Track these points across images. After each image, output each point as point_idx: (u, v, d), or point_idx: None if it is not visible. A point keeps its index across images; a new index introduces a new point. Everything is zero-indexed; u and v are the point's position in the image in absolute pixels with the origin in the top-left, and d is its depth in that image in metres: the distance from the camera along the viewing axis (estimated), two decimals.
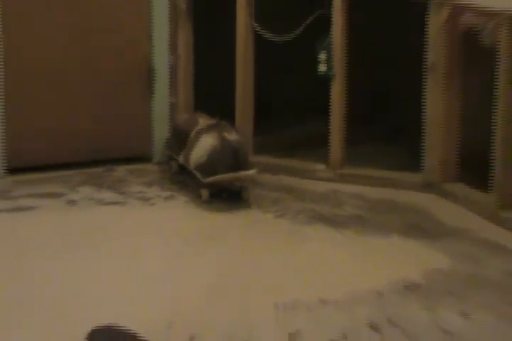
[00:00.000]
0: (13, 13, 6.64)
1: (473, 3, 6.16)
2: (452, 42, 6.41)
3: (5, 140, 6.72)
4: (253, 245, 5.83)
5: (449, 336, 4.68)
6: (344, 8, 6.59)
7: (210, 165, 6.32)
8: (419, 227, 6.05)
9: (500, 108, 5.98)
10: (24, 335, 4.64)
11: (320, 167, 6.84)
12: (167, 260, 5.60)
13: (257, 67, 6.95)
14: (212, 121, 6.61)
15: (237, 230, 6.05)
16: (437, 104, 6.48)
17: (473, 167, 6.38)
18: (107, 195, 6.51)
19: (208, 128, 6.50)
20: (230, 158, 6.36)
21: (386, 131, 7.19)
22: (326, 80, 6.71)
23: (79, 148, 6.93)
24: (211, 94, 6.96)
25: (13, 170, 6.77)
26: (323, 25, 6.68)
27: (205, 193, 6.37)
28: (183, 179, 6.66)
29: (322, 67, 6.71)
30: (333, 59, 6.66)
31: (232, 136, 6.46)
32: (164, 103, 7.09)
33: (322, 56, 6.69)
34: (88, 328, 4.28)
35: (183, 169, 6.70)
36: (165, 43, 7.02)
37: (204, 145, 6.40)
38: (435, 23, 6.41)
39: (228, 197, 6.45)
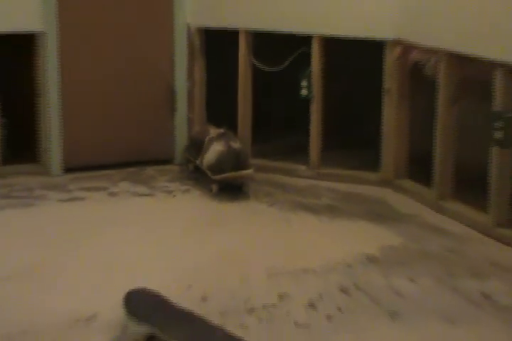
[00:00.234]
0: (70, 48, 6.69)
1: (419, 43, 6.22)
2: (403, 73, 6.47)
3: (62, 146, 6.74)
4: (251, 227, 5.90)
5: (400, 297, 4.80)
6: (320, 47, 6.64)
7: (218, 166, 6.39)
8: (378, 214, 6.13)
9: (439, 122, 6.08)
10: (82, 295, 4.76)
11: (302, 167, 6.88)
12: (185, 238, 5.69)
13: (254, 90, 6.98)
14: (221, 131, 6.64)
15: (238, 215, 6.12)
16: (391, 119, 6.54)
17: (419, 167, 6.44)
18: (140, 189, 6.56)
19: (218, 137, 6.54)
20: (233, 160, 6.42)
21: (353, 140, 7.19)
22: (307, 102, 6.75)
23: (119, 152, 6.95)
24: (219, 111, 6.96)
25: (68, 170, 6.79)
26: (305, 59, 6.72)
27: (214, 187, 6.43)
28: (197, 177, 6.68)
29: (304, 92, 6.74)
30: (312, 85, 6.70)
31: (235, 144, 6.53)
32: (183, 117, 7.11)
33: (304, 83, 6.72)
34: (124, 290, 4.41)
35: (197, 169, 6.70)
36: (184, 72, 7.03)
37: (214, 151, 6.46)
38: (390, 58, 6.47)
39: (228, 191, 6.45)
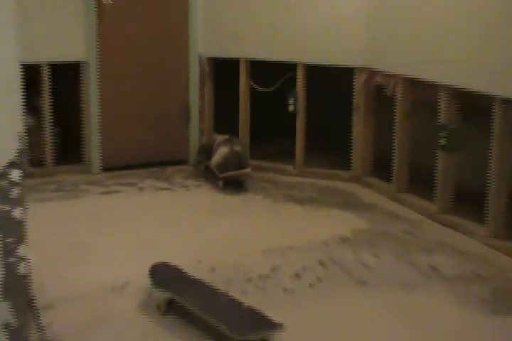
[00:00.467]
0: (107, 73, 6.68)
1: (381, 69, 6.23)
2: (368, 93, 6.47)
3: (101, 150, 6.75)
4: (249, 214, 5.89)
5: (367, 268, 4.82)
6: (303, 72, 6.64)
7: (224, 165, 6.38)
8: (349, 204, 6.12)
9: (396, 132, 6.09)
10: (117, 267, 4.78)
11: (289, 167, 6.87)
12: (197, 222, 5.68)
13: (252, 106, 6.99)
14: (226, 137, 6.60)
15: (240, 205, 6.11)
16: (360, 129, 6.54)
17: (381, 167, 6.45)
18: (162, 184, 6.54)
19: (224, 142, 6.53)
20: (236, 161, 6.41)
21: (329, 145, 7.20)
22: (294, 116, 6.76)
23: (145, 155, 6.94)
24: (224, 123, 6.97)
25: (106, 169, 6.79)
26: (292, 82, 6.72)
27: (220, 183, 6.42)
28: (206, 175, 6.65)
29: (291, 107, 6.73)
30: (297, 102, 6.71)
31: (238, 147, 6.52)
32: (196, 128, 7.09)
33: (291, 101, 6.73)
34: (150, 264, 4.43)
35: (206, 169, 6.67)
36: (196, 93, 7.02)
37: (221, 153, 6.45)
38: (359, 81, 6.47)
39: (231, 186, 6.44)
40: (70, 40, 6.50)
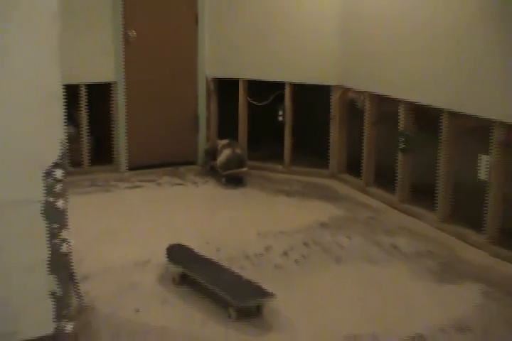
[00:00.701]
0: (132, 91, 6.69)
1: (352, 87, 6.24)
2: (343, 106, 6.46)
3: (127, 153, 6.75)
4: (248, 205, 5.88)
5: (341, 247, 4.82)
6: (290, 90, 6.64)
7: (227, 164, 6.37)
8: (327, 195, 6.12)
9: (365, 137, 6.10)
10: (140, 247, 4.79)
11: (279, 166, 6.85)
12: (205, 211, 5.69)
13: (249, 117, 6.98)
14: (227, 141, 6.59)
15: (239, 197, 6.09)
16: (336, 136, 6.54)
17: (353, 166, 6.44)
18: (176, 180, 6.52)
19: (227, 145, 6.50)
20: (236, 161, 6.40)
21: (312, 149, 7.19)
22: (282, 125, 6.77)
23: (162, 157, 6.92)
24: (226, 130, 6.96)
25: (131, 168, 6.77)
26: (281, 98, 6.74)
27: (223, 180, 6.39)
28: (212, 173, 6.63)
29: (280, 118, 6.74)
30: (286, 114, 6.71)
31: (238, 150, 6.50)
32: (203, 135, 7.06)
33: (280, 113, 6.73)
34: (167, 244, 4.45)
35: (212, 168, 6.65)
36: (204, 106, 6.99)
37: (224, 154, 6.42)
38: (335, 96, 6.47)
39: (232, 182, 6.43)
40: (103, 65, 6.50)
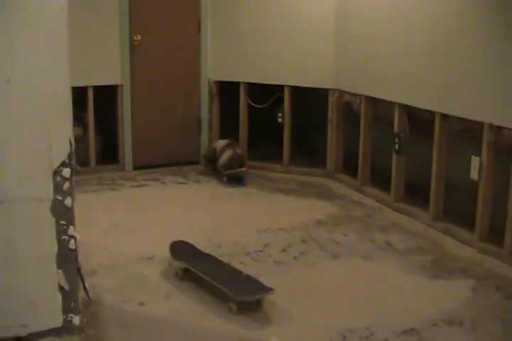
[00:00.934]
0: (137, 93, 6.68)
1: (348, 90, 6.24)
2: (339, 108, 6.46)
3: (132, 153, 6.75)
4: (247, 202, 5.89)
5: (338, 244, 4.83)
6: (289, 93, 6.64)
7: (228, 164, 6.35)
8: (323, 194, 6.11)
9: (361, 138, 6.09)
10: (145, 243, 4.79)
11: (278, 166, 6.84)
12: (206, 209, 5.67)
13: (249, 119, 6.98)
14: (227, 141, 6.58)
15: (240, 195, 6.09)
16: (333, 137, 6.54)
17: (349, 166, 6.44)
18: (180, 179, 6.52)
19: (228, 146, 6.48)
20: (237, 160, 6.38)
21: (309, 149, 7.18)
22: (281, 126, 6.77)
23: (166, 157, 6.91)
24: (228, 132, 6.96)
25: (136, 168, 6.76)
26: (281, 100, 6.74)
27: (225, 179, 6.39)
28: (214, 172, 6.62)
29: (279, 120, 6.74)
30: (285, 116, 6.71)
31: (239, 150, 6.50)
32: (206, 136, 7.06)
33: (279, 114, 6.73)
34: (171, 240, 4.45)
35: (213, 168, 6.63)
36: (206, 109, 6.99)
37: (226, 154, 6.41)
38: (332, 99, 6.48)
39: (233, 181, 6.41)
40: (109, 68, 6.51)
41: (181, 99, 6.96)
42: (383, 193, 5.86)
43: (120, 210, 5.58)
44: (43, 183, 2.69)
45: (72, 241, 2.78)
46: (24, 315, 2.68)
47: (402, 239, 4.99)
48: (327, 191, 6.21)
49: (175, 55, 6.84)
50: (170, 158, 6.93)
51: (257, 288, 3.91)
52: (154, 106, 6.85)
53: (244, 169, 6.42)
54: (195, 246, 4.49)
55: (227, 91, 7.06)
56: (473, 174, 4.87)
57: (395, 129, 5.58)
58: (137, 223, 5.26)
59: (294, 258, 4.61)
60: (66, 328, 2.77)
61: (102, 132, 6.70)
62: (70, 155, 2.81)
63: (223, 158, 6.41)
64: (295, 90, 6.67)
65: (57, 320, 2.75)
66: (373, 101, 5.96)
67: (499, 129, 4.58)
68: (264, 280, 3.98)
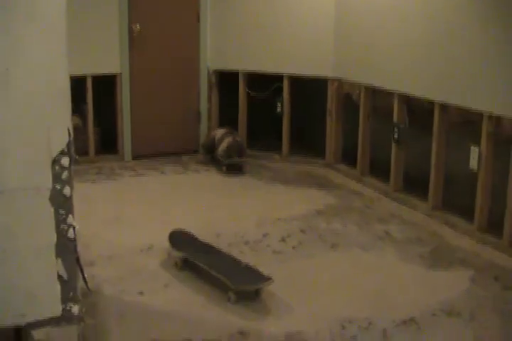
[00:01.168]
0: (136, 83, 6.68)
1: (348, 80, 6.23)
2: (339, 99, 6.45)
3: (131, 143, 6.75)
4: (246, 192, 5.89)
5: (336, 234, 4.83)
6: (288, 82, 6.64)
7: (227, 152, 6.33)
8: (322, 184, 6.11)
9: (360, 129, 6.09)
10: (144, 233, 4.79)
11: (277, 156, 6.85)
12: (205, 198, 5.67)
13: (248, 109, 6.97)
14: (226, 130, 6.57)
15: (239, 185, 6.09)
16: (332, 127, 6.53)
17: (348, 156, 6.44)
18: (179, 169, 6.51)
19: (227, 134, 6.47)
20: (237, 148, 6.37)
21: (308, 140, 7.18)
22: (280, 116, 6.76)
23: (166, 146, 6.91)
24: (227, 121, 6.96)
25: (135, 157, 6.76)
26: (280, 90, 6.72)
27: (224, 168, 6.39)
28: (213, 162, 6.61)
29: (278, 110, 6.75)
30: (284, 106, 6.71)
31: (238, 138, 6.52)
32: (205, 125, 7.06)
33: (278, 105, 6.74)
34: (170, 230, 4.45)
35: (212, 158, 6.61)
36: (205, 98, 6.99)
37: (225, 142, 6.38)
38: (331, 89, 6.47)
39: (232, 171, 6.41)
40: (108, 57, 6.51)
41: (180, 89, 6.94)
42: (382, 184, 5.86)
43: (119, 200, 5.57)
44: (41, 172, 2.68)
45: (71, 230, 2.77)
46: (23, 304, 2.67)
47: (401, 229, 4.99)
48: (326, 181, 6.21)
49: (174, 44, 6.83)
50: (169, 147, 6.93)
51: (256, 277, 3.91)
52: (153, 96, 6.84)
53: (243, 159, 6.41)
54: (195, 235, 4.48)
55: (226, 81, 7.03)
56: (473, 164, 4.86)
57: (395, 120, 5.57)
58: (136, 213, 5.25)
59: (293, 248, 4.61)
60: (65, 317, 2.76)
61: (101, 122, 6.68)
62: (68, 145, 2.80)
63: (222, 146, 6.39)
64: (294, 81, 6.66)
65: (56, 310, 2.74)
66: (373, 92, 5.95)
67: (498, 119, 4.57)
68: (263, 270, 3.99)
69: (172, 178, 6.23)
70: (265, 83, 6.81)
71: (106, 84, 6.56)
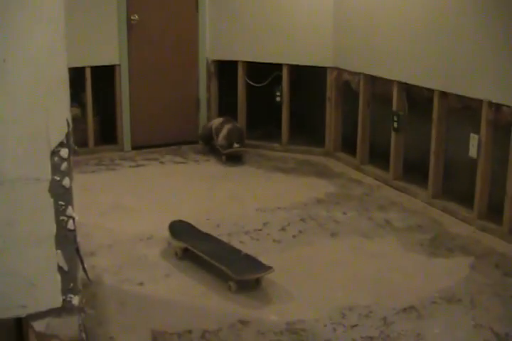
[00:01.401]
0: (135, 74, 6.67)
1: (347, 68, 6.22)
2: (338, 87, 6.42)
3: (131, 133, 6.74)
4: (246, 180, 5.89)
5: (337, 223, 4.84)
6: (288, 71, 6.62)
7: (228, 138, 6.31)
8: (322, 173, 6.11)
9: (359, 117, 6.08)
10: (144, 223, 4.80)
11: (277, 145, 6.83)
12: (205, 188, 5.66)
13: (248, 98, 6.95)
14: (223, 118, 6.56)
15: (238, 174, 6.09)
16: (331, 116, 6.50)
17: (348, 144, 6.43)
18: (178, 159, 6.50)
19: (226, 122, 6.46)
20: (238, 135, 6.37)
21: (307, 128, 7.17)
22: (280, 105, 6.75)
23: (165, 136, 6.89)
24: (226, 111, 6.95)
25: (134, 148, 6.74)
26: (279, 79, 6.71)
27: (224, 158, 6.37)
28: (213, 152, 6.58)
29: (278, 99, 6.73)
30: (283, 95, 6.70)
31: (238, 125, 6.54)
32: (204, 115, 7.04)
33: (278, 94, 6.73)
34: (170, 220, 4.46)
35: (211, 148, 6.60)
36: (204, 88, 6.98)
37: (225, 129, 6.36)
38: (330, 78, 6.46)
39: (232, 160, 6.40)
40: (107, 48, 6.49)
41: (179, 79, 6.92)
42: (382, 171, 5.85)
43: (119, 190, 5.57)
44: (40, 164, 2.67)
45: (71, 221, 2.77)
46: (23, 295, 2.67)
47: (401, 217, 5.00)
48: (326, 170, 6.20)
49: (173, 34, 6.80)
50: (168, 137, 6.91)
51: (256, 266, 3.92)
52: (152, 86, 6.82)
53: (243, 148, 6.40)
54: (195, 225, 4.49)
55: (225, 70, 7.02)
56: (472, 152, 4.86)
57: (394, 107, 5.56)
58: (136, 203, 5.25)
59: (293, 236, 4.62)
60: (65, 308, 2.76)
61: (101, 112, 6.67)
62: (67, 136, 2.79)
63: (222, 133, 6.37)
64: (293, 69, 6.64)
65: (56, 301, 2.74)
66: (372, 80, 5.94)
67: (498, 106, 4.56)
68: (264, 259, 3.99)
69: (172, 168, 6.23)
70: (264, 72, 6.79)
71: (105, 73, 6.53)
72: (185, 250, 4.21)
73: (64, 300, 2.76)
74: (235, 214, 5.00)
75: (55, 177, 2.71)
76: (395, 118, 5.54)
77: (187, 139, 6.98)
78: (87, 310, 3.28)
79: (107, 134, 6.72)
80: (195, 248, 4.13)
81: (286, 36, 6.56)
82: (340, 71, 6.33)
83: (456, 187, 5.24)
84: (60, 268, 2.75)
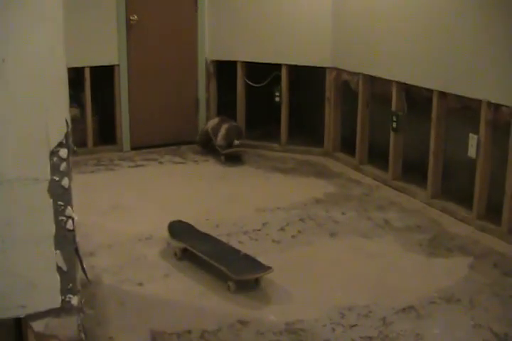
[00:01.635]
0: (135, 74, 6.66)
1: (346, 68, 6.21)
2: (337, 87, 6.43)
3: (130, 134, 6.73)
4: (245, 181, 5.88)
5: (336, 223, 4.83)
6: (287, 72, 6.61)
7: (226, 137, 6.30)
8: (321, 173, 6.10)
9: (358, 117, 6.08)
10: (144, 223, 4.79)
11: (276, 145, 6.82)
12: (204, 188, 5.66)
13: (247, 98, 6.95)
14: (218, 119, 6.56)
15: (238, 174, 6.08)
16: (330, 116, 6.50)
17: (347, 144, 6.42)
18: (177, 159, 6.49)
19: (223, 121, 6.45)
20: (236, 133, 6.35)
21: (306, 128, 7.16)
22: (279, 105, 6.74)
23: (164, 137, 6.88)
24: (225, 111, 6.95)
25: (134, 148, 6.73)
26: (278, 79, 6.70)
27: (223, 158, 6.35)
28: (212, 152, 6.56)
29: (277, 99, 6.72)
30: (282, 95, 6.69)
31: (235, 123, 6.54)
32: (203, 115, 7.04)
33: (277, 94, 6.72)
34: (169, 220, 4.45)
35: (210, 148, 6.57)
36: (203, 88, 6.97)
37: (223, 128, 6.35)
38: (329, 78, 6.45)
39: (231, 160, 6.39)
40: (106, 48, 6.48)
41: (179, 79, 6.92)
42: (381, 171, 5.85)
43: (118, 191, 5.56)
44: (39, 164, 2.67)
45: (70, 221, 2.76)
46: (22, 296, 2.67)
47: (400, 217, 4.99)
48: (325, 170, 6.20)
49: (172, 34, 6.80)
50: (167, 137, 6.91)
51: (255, 267, 3.91)
52: (151, 86, 6.81)
53: (243, 149, 6.40)
54: (194, 225, 4.48)
55: (224, 70, 7.01)
56: (471, 152, 4.85)
57: (393, 107, 5.56)
58: (135, 203, 5.25)
59: (292, 237, 4.61)
60: (64, 309, 2.76)
61: (100, 113, 6.67)
62: (66, 136, 2.78)
63: (221, 132, 6.36)
64: (293, 69, 6.63)
65: (55, 301, 2.74)
66: (371, 80, 5.93)
67: (497, 107, 4.56)
68: (263, 259, 3.98)
69: (171, 168, 6.22)
70: (263, 72, 6.78)
71: (105, 73, 6.53)
72: (185, 250, 4.21)
73: (63, 300, 2.76)
74: (234, 215, 5.00)
75: (54, 177, 2.71)
76: (394, 119, 5.54)
77: (186, 139, 6.97)
78: (86, 310, 3.28)
79: (106, 134, 6.71)
80: (194, 248, 4.12)
81: (285, 36, 6.55)
82: (339, 71, 6.32)
83: (455, 188, 5.23)
84: (59, 269, 2.74)
